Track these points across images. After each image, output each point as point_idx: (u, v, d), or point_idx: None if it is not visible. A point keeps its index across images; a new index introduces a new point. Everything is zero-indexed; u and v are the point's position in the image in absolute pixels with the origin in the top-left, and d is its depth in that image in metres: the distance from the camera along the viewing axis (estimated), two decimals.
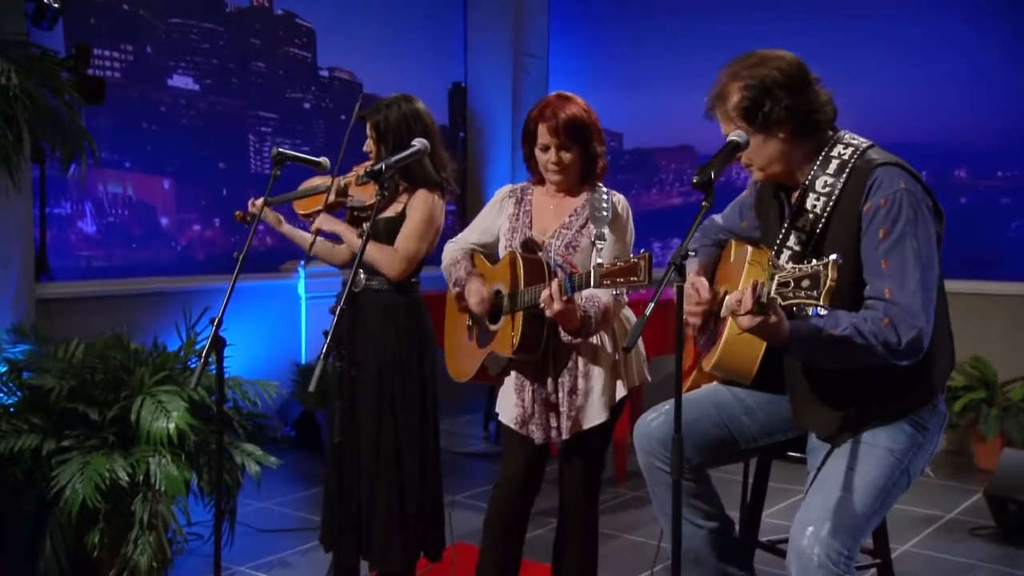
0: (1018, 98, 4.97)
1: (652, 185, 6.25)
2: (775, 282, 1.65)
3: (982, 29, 5.05)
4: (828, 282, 1.57)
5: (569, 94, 2.53)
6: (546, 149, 2.49)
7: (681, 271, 1.70)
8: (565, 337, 2.42)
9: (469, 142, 6.71)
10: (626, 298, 2.52)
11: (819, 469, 1.96)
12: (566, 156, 2.49)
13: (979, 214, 5.09)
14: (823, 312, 1.67)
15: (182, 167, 4.97)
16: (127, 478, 2.88)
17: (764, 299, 1.67)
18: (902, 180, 1.87)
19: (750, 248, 2.09)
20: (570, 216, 2.54)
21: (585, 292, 2.39)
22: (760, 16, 5.66)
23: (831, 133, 1.98)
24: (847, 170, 1.91)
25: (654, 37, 6.13)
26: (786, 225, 1.95)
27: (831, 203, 1.91)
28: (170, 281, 4.73)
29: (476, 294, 2.57)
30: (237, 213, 3.19)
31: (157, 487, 2.92)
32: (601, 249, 2.37)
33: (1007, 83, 4.98)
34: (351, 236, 2.90)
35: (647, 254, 2.02)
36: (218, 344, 2.39)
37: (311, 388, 2.07)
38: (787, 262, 1.92)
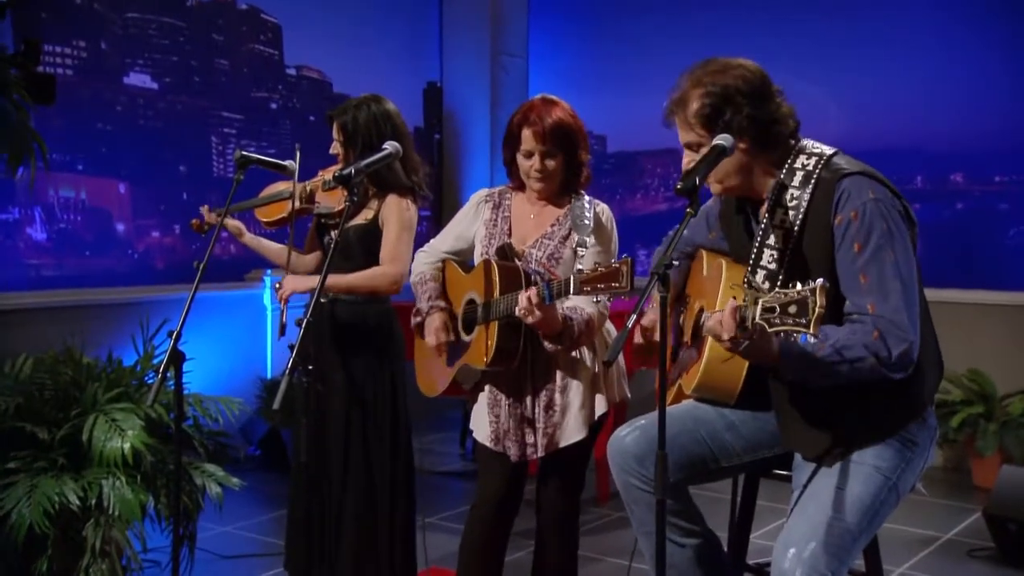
0: (1017, 100, 5.02)
1: (637, 190, 6.29)
2: (760, 307, 1.67)
3: (980, 29, 5.11)
4: (817, 309, 1.59)
5: (554, 98, 2.54)
6: (530, 155, 2.50)
7: (665, 281, 1.71)
8: (548, 346, 2.43)
9: (445, 144, 6.73)
10: (607, 308, 2.53)
11: (804, 487, 1.98)
12: (550, 163, 2.50)
13: (976, 220, 5.14)
14: (812, 340, 1.69)
15: (139, 170, 4.94)
16: (78, 502, 2.85)
17: (749, 324, 1.69)
18: (870, 190, 1.89)
19: (724, 262, 2.11)
20: (552, 226, 2.56)
21: (567, 303, 2.41)
22: (751, 15, 5.71)
23: (793, 143, 2.01)
24: (812, 181, 1.94)
25: (639, 35, 6.17)
26: (757, 243, 1.97)
27: (800, 216, 1.93)
28: (126, 291, 4.70)
29: (434, 334, 2.58)
30: (193, 222, 3.18)
31: (111, 511, 2.89)
32: (583, 256, 2.38)
33: (1005, 84, 5.04)
34: (342, 285, 2.85)
35: (628, 259, 2.04)
36: (177, 358, 2.38)
37: (276, 405, 2.07)
38: (763, 281, 1.94)
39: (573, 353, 2.50)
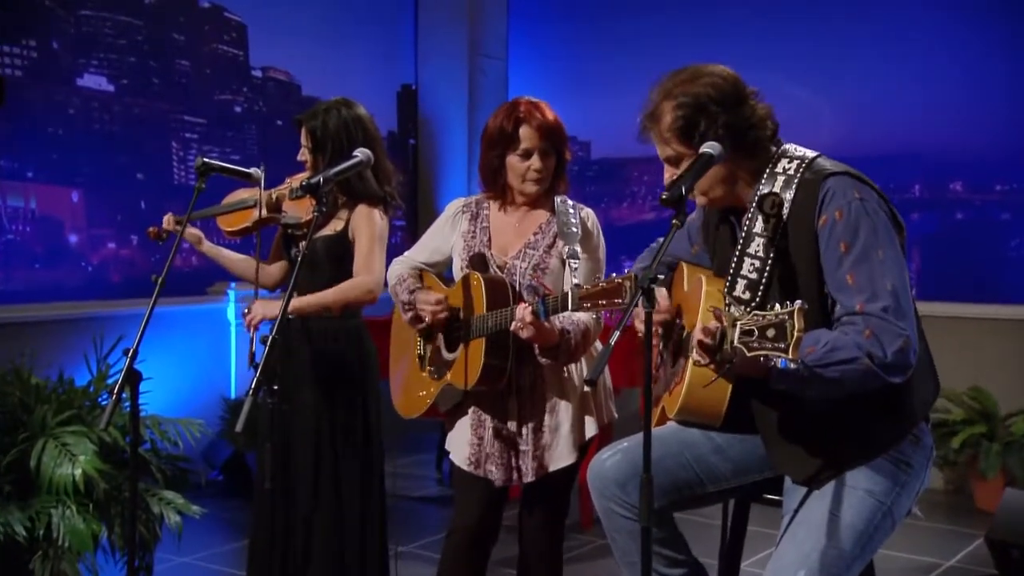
0: (1019, 105, 5.07)
1: (623, 198, 6.33)
2: (737, 329, 1.69)
3: (981, 30, 5.16)
4: (795, 333, 1.62)
5: (535, 99, 2.58)
6: (528, 155, 2.52)
7: (650, 296, 1.73)
8: (543, 361, 2.44)
9: (420, 150, 6.74)
10: (602, 319, 2.54)
11: (795, 513, 1.99)
12: (549, 163, 2.53)
13: (976, 231, 5.19)
14: (792, 366, 1.71)
15: (94, 178, 4.91)
16: (25, 533, 2.83)
17: (728, 347, 1.71)
18: (855, 190, 1.92)
19: (704, 276, 2.14)
20: (535, 234, 2.57)
21: (562, 314, 2.42)
22: (743, 15, 5.76)
23: (774, 148, 2.04)
24: (795, 184, 1.96)
25: (626, 36, 6.22)
26: (738, 252, 1.99)
27: (782, 222, 1.95)
28: (79, 306, 4.66)
29: (427, 302, 2.55)
30: (151, 229, 3.17)
31: (60, 543, 2.87)
32: (576, 268, 2.39)
33: (1007, 89, 5.09)
34: (315, 305, 2.85)
35: (633, 274, 2.06)
36: (133, 378, 2.37)
37: (238, 428, 2.07)
38: (744, 291, 1.96)
39: (562, 371, 2.51)
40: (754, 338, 1.67)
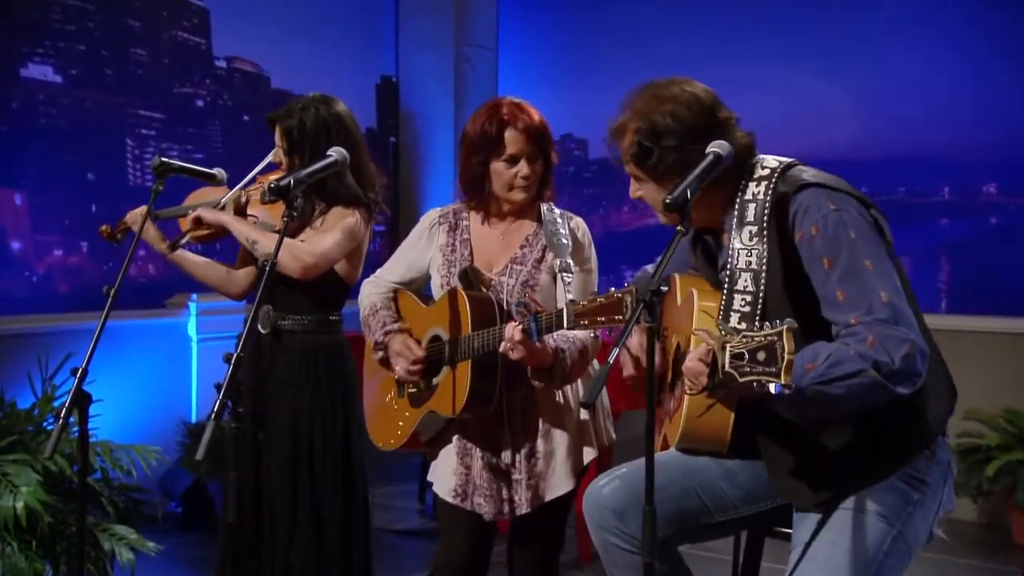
0: None
1: (624, 202, 6.34)
2: (728, 353, 1.72)
3: (1017, 20, 5.18)
4: (786, 356, 1.65)
5: (517, 99, 2.59)
6: (515, 160, 2.53)
7: (652, 309, 1.74)
8: (537, 384, 2.44)
9: (402, 149, 6.75)
10: (600, 336, 2.55)
11: (806, 547, 2.00)
12: (536, 169, 2.54)
13: (1012, 238, 5.20)
14: (786, 391, 1.73)
15: (39, 178, 4.90)
16: None
17: (720, 373, 1.74)
18: (829, 200, 1.96)
19: (696, 291, 2.16)
20: (522, 247, 2.58)
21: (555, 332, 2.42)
22: (752, 2, 5.79)
23: (744, 173, 2.06)
24: (767, 207, 1.99)
25: (626, 24, 6.25)
26: (726, 290, 2.02)
27: (764, 252, 1.97)
28: (22, 320, 4.65)
29: (403, 356, 2.56)
30: (103, 228, 3.14)
31: None
32: (569, 283, 2.40)
33: None
34: (247, 231, 2.84)
35: (633, 288, 2.07)
36: (82, 399, 2.36)
37: (199, 455, 2.06)
38: (739, 323, 1.98)
39: (556, 394, 2.52)
40: (745, 362, 1.70)
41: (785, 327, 1.66)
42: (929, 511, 2.01)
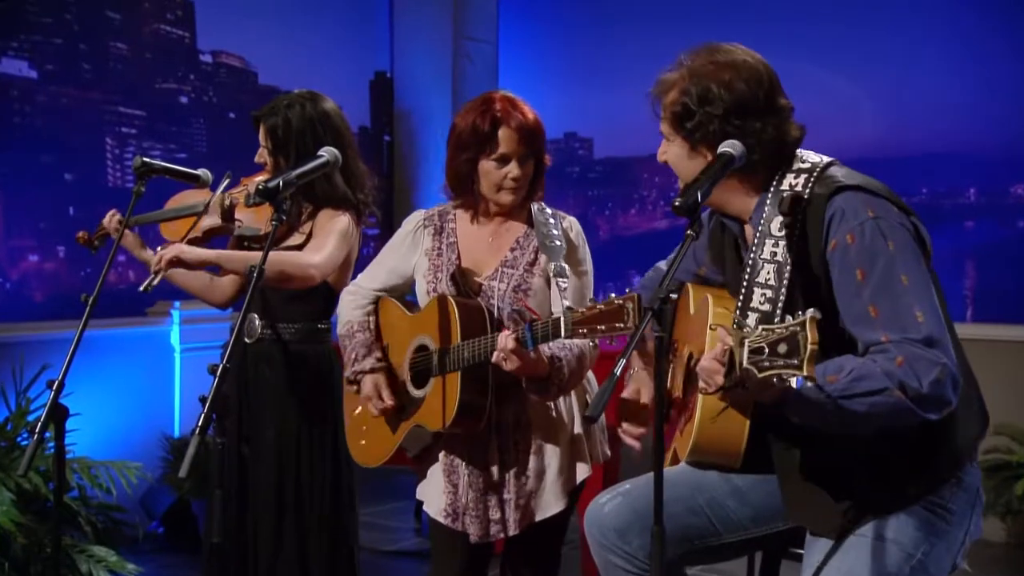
0: None
1: (631, 203, 6.35)
2: (746, 349, 1.70)
3: None
4: (809, 346, 1.62)
5: (510, 94, 2.58)
6: (505, 160, 2.52)
7: (660, 318, 1.73)
8: (533, 397, 2.43)
9: (397, 147, 6.76)
10: (598, 344, 2.54)
11: (817, 570, 1.99)
12: (528, 170, 2.54)
13: None
14: (808, 384, 1.71)
15: (12, 179, 4.91)
16: None
17: (737, 370, 1.72)
18: (868, 208, 1.93)
19: (711, 296, 2.15)
20: (512, 250, 2.57)
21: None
22: None
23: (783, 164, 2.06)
24: (803, 203, 1.98)
25: (634, 17, 6.25)
26: (746, 281, 2.01)
27: (792, 249, 1.97)
28: None
29: (371, 400, 2.56)
30: (80, 234, 3.16)
31: None
32: (565, 288, 2.38)
33: None
34: (244, 258, 2.81)
35: (635, 295, 2.05)
36: (59, 413, 2.36)
37: (182, 473, 2.06)
38: (756, 325, 1.97)
39: (549, 407, 2.51)
40: (764, 356, 1.67)
41: (809, 316, 1.64)
42: (954, 541, 1.99)
